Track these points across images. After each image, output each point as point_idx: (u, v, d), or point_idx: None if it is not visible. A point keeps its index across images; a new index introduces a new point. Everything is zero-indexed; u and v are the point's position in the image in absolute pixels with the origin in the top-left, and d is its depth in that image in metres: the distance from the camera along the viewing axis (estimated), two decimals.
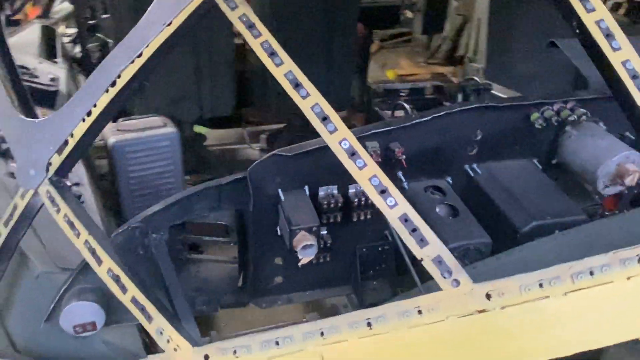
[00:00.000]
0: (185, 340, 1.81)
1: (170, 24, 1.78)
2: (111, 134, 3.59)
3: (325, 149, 2.01)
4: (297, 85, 1.74)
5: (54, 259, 2.33)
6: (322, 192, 2.20)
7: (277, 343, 1.73)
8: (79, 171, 3.06)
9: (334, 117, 1.74)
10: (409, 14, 6.28)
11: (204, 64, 4.47)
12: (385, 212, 1.69)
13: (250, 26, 1.78)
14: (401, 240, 1.70)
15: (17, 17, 5.47)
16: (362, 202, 2.22)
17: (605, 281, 1.61)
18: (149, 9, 1.80)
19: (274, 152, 2.12)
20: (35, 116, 2.27)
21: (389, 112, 4.08)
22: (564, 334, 1.67)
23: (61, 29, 5.41)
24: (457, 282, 1.64)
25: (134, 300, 1.87)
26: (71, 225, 1.94)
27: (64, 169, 2.01)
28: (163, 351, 1.88)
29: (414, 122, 2.19)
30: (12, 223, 2.08)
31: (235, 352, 1.76)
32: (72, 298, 2.07)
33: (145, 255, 2.16)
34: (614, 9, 5.65)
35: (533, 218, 2.13)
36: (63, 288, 2.08)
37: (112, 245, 2.02)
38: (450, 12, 6.88)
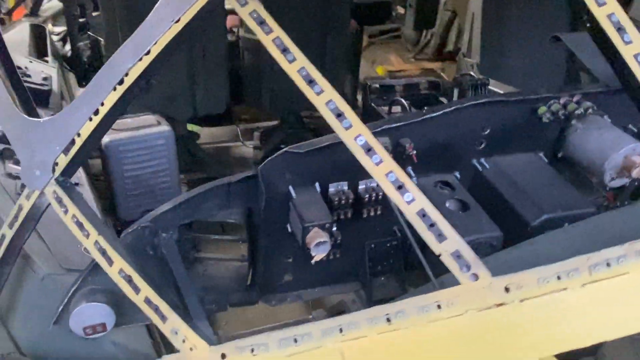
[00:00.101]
0: (201, 340, 1.79)
1: (178, 20, 1.76)
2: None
3: (336, 145, 2.01)
4: (310, 82, 1.73)
5: (59, 260, 2.30)
6: (332, 188, 2.19)
7: (295, 340, 1.72)
8: (78, 171, 3.02)
9: (349, 113, 1.73)
10: (400, 9, 6.28)
11: (197, 61, 4.43)
12: (403, 208, 1.68)
13: (261, 22, 1.75)
14: (414, 236, 1.69)
15: (1, 16, 5.39)
16: (373, 198, 2.21)
17: (621, 272, 1.62)
18: (156, 5, 1.78)
19: (285, 149, 2.10)
20: (37, 116, 2.23)
21: (386, 108, 4.08)
22: (581, 325, 1.68)
23: (49, 27, 5.31)
24: (475, 276, 1.64)
25: (147, 301, 1.84)
26: (80, 226, 1.91)
27: (71, 169, 1.98)
28: (171, 352, 1.87)
29: (425, 117, 2.19)
30: (17, 225, 2.04)
31: (252, 350, 1.75)
32: (81, 299, 2.04)
33: (155, 255, 2.14)
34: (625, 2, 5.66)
35: (543, 211, 2.14)
36: (72, 289, 2.06)
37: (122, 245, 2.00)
38: (440, 8, 6.91)
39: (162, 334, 2.13)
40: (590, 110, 2.33)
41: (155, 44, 1.78)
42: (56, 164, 1.92)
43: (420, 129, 2.22)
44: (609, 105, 2.39)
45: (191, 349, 1.80)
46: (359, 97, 5.20)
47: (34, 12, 5.24)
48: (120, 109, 1.90)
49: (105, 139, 3.53)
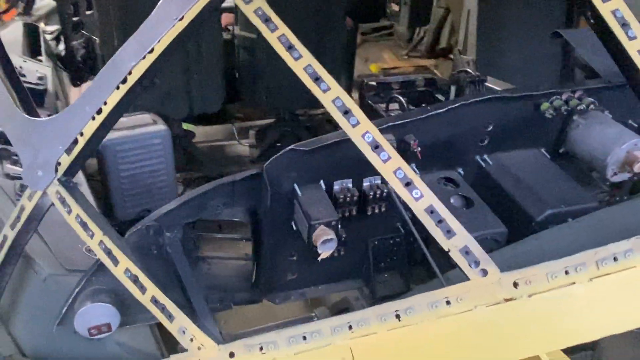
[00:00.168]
0: (209, 338, 1.79)
1: (182, 18, 1.75)
2: None
3: (341, 142, 2.00)
4: (317, 79, 1.72)
5: (60, 261, 2.28)
6: (337, 186, 2.19)
7: (304, 338, 1.72)
8: None
9: (356, 110, 1.73)
10: (394, 6, 6.28)
11: (193, 60, 4.41)
12: (411, 205, 1.68)
13: (267, 20, 1.74)
14: (420, 232, 1.70)
15: None
16: (377, 195, 2.21)
17: (628, 266, 1.64)
18: (159, 3, 1.76)
19: (290, 147, 2.10)
20: (37, 116, 2.21)
21: (383, 106, 4.07)
22: (589, 319, 1.70)
23: (42, 26, 5.26)
24: (484, 272, 1.65)
25: (154, 300, 1.84)
26: (84, 226, 1.90)
27: (73, 169, 1.97)
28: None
29: (429, 114, 2.19)
30: (19, 225, 2.02)
31: (261, 348, 1.75)
32: (86, 300, 2.03)
33: (159, 254, 2.13)
34: None
35: (547, 206, 2.16)
36: (76, 290, 2.04)
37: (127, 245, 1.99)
38: (434, 5, 6.92)
39: (163, 335, 2.12)
40: (592, 106, 2.35)
41: (158, 42, 1.77)
42: (59, 163, 1.91)
43: (424, 126, 2.22)
44: (610, 100, 2.40)
45: (199, 348, 1.79)
46: (355, 95, 5.20)
47: (27, 11, 5.18)
48: (123, 108, 1.88)
49: None
